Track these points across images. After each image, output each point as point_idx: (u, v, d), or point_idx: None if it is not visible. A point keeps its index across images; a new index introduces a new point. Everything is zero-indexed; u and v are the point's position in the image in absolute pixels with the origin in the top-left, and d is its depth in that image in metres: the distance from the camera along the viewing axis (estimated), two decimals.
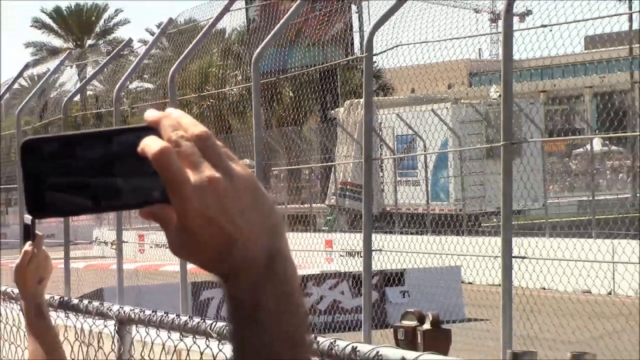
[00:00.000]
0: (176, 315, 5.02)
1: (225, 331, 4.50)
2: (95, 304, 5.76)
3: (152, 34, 47.74)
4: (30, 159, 1.50)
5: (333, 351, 3.89)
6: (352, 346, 3.85)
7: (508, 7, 10.63)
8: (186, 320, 4.87)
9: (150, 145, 1.45)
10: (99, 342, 6.10)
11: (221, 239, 1.45)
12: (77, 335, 6.05)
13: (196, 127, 1.48)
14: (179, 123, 1.48)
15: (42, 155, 1.50)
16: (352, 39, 32.31)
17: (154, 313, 5.12)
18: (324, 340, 3.97)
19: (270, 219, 1.50)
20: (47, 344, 4.03)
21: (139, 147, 1.46)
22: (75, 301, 5.87)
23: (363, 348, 3.81)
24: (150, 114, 1.50)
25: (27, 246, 4.15)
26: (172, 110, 1.51)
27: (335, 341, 3.94)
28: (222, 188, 1.45)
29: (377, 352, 3.73)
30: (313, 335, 4.05)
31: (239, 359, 1.50)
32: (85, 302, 5.87)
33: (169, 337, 5.12)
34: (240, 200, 1.46)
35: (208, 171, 1.45)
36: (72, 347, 5.63)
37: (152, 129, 1.48)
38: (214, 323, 4.69)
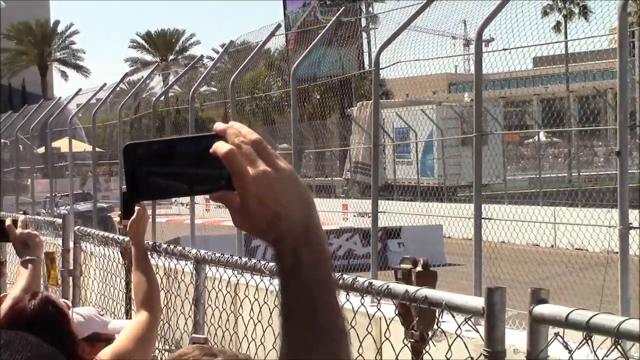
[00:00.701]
0: (239, 257, 5.00)
1: (274, 269, 4.46)
2: (179, 247, 5.74)
3: (216, 52, 47.66)
4: (129, 158, 1.52)
5: (355, 285, 3.87)
6: (369, 282, 3.83)
7: (478, 36, 10.59)
8: (246, 261, 4.84)
9: (220, 147, 1.49)
10: (181, 276, 6.10)
11: (270, 214, 1.50)
12: (165, 271, 6.04)
13: (252, 135, 1.53)
14: (240, 132, 1.52)
15: (138, 155, 1.52)
16: (363, 57, 32.16)
17: (222, 255, 5.10)
18: (347, 277, 3.95)
19: (305, 198, 1.54)
20: (148, 276, 4.05)
21: (212, 149, 1.50)
22: (164, 245, 5.84)
23: (377, 283, 3.79)
24: (219, 126, 1.53)
25: (137, 207, 4.17)
26: (234, 123, 1.54)
27: (356, 278, 3.92)
28: (272, 178, 1.50)
29: (388, 286, 3.71)
30: (340, 274, 4.02)
31: (285, 302, 1.54)
32: (172, 246, 5.85)
33: (233, 274, 5.09)
34: (284, 187, 1.51)
35: (262, 166, 1.50)
36: (161, 280, 5.63)
37: (219, 136, 1.52)
38: (267, 263, 4.66)
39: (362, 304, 3.88)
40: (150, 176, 1.52)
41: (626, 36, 9.09)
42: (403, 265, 7.08)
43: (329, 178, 34.76)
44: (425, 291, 3.53)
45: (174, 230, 23.36)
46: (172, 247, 5.82)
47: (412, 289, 3.59)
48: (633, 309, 8.35)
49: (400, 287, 3.68)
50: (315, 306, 1.53)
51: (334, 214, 25.16)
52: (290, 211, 1.51)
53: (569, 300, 12.33)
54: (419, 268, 6.94)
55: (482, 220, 10.31)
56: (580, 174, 30.68)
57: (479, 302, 3.20)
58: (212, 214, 29.07)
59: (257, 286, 4.68)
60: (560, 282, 13.89)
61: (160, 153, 1.52)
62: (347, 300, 3.89)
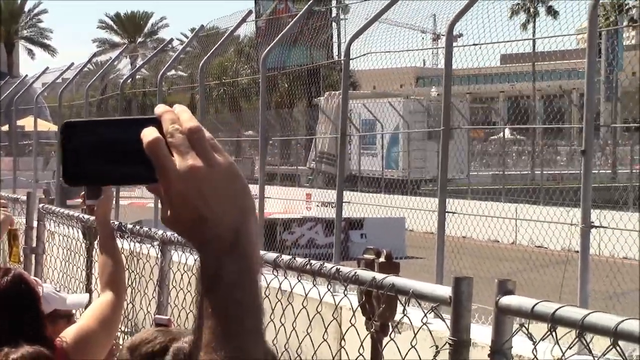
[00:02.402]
0: None
1: None
2: (145, 228, 5.72)
3: (186, 36, 47.42)
4: (67, 138, 1.39)
5: (322, 271, 3.85)
6: (336, 268, 3.82)
7: (449, 30, 10.64)
8: None
9: (146, 135, 1.35)
10: (146, 257, 6.07)
11: (195, 216, 1.34)
12: (130, 252, 6.02)
13: (190, 122, 1.36)
14: (178, 118, 1.37)
15: (76, 135, 1.39)
16: (332, 47, 32.19)
17: None
18: (315, 263, 3.92)
19: (242, 201, 1.37)
20: (114, 257, 4.04)
21: (141, 135, 1.35)
22: (130, 226, 5.80)
23: (344, 269, 3.79)
24: (159, 109, 1.38)
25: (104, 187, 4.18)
26: (177, 106, 1.39)
27: (324, 263, 3.91)
28: (201, 175, 1.34)
29: (355, 273, 3.71)
30: (307, 259, 3.99)
31: (199, 314, 1.36)
32: (137, 227, 5.82)
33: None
34: (216, 186, 1.34)
35: (191, 160, 1.34)
36: (126, 260, 5.59)
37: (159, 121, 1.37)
38: None
39: (329, 290, 3.88)
40: (85, 159, 1.38)
41: (595, 36, 9.17)
42: (366, 256, 7.09)
43: (294, 167, 34.75)
44: (392, 279, 3.55)
45: (137, 214, 23.23)
46: (137, 227, 5.80)
47: (379, 276, 3.60)
48: (591, 307, 8.42)
49: (367, 274, 3.69)
50: (230, 331, 1.34)
51: (297, 202, 25.14)
52: (218, 214, 1.34)
53: (528, 296, 12.36)
54: (381, 259, 6.95)
55: (446, 214, 10.35)
56: (543, 172, 30.87)
57: (445, 291, 3.22)
58: None
59: None
60: (520, 278, 13.95)
61: (98, 134, 1.38)
62: (314, 286, 3.89)
